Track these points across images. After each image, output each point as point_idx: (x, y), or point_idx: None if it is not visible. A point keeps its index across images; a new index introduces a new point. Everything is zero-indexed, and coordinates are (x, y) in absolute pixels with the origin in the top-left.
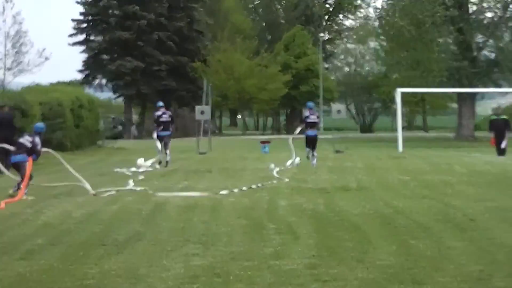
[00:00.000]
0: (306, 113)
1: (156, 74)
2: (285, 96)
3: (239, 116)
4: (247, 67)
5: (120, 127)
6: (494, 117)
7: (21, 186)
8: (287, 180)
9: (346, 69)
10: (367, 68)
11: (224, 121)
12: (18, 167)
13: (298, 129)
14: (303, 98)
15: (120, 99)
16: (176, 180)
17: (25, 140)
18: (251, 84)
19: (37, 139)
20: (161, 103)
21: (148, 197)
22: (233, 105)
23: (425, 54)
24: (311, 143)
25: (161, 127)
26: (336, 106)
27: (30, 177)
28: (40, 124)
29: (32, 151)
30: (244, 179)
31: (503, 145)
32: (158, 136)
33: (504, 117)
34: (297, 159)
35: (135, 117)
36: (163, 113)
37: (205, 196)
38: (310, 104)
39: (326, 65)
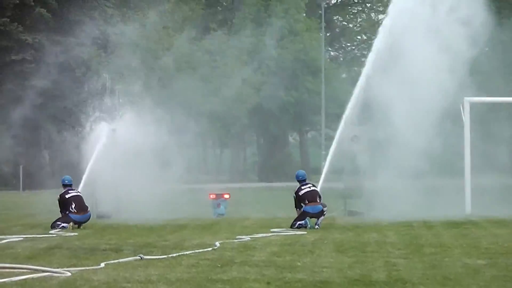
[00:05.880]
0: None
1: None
2: (255, 111)
3: None
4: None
5: None
6: None
7: None
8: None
9: None
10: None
11: None
12: None
13: (299, 211)
14: (286, 116)
15: None
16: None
17: None
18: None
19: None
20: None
21: None
22: None
23: None
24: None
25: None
26: (350, 129)
27: None
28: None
29: None
30: (179, 267)
31: None
32: None
33: None
34: None
35: None
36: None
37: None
38: (301, 173)
39: (332, 52)
